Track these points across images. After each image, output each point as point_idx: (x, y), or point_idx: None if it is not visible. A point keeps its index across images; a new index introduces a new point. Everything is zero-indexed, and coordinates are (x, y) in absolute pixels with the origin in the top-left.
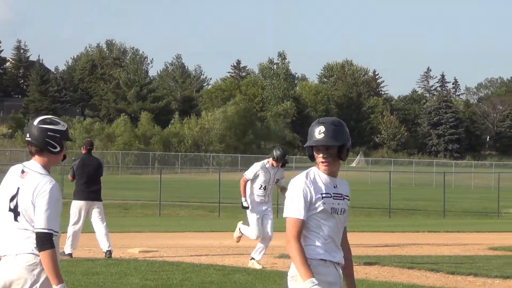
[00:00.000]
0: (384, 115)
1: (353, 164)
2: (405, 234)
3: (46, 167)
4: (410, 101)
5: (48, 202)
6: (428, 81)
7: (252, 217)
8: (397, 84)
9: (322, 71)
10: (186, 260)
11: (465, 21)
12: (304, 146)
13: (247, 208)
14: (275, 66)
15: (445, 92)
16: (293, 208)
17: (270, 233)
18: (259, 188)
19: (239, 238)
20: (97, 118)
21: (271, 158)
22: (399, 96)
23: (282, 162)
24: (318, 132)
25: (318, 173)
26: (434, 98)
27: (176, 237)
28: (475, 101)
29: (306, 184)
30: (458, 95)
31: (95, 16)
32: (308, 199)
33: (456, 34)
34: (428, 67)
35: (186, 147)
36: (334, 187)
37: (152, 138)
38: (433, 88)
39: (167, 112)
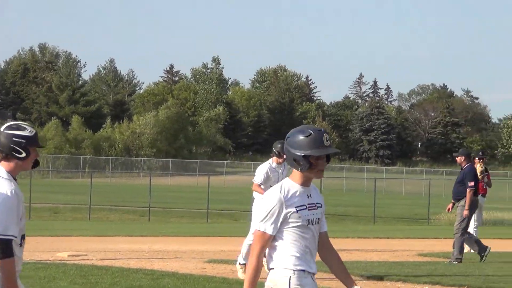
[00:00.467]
0: (316, 121)
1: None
2: (335, 239)
3: (12, 172)
4: (342, 107)
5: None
6: (360, 87)
7: None
8: (330, 90)
9: (255, 76)
10: (115, 264)
11: (398, 28)
12: (311, 154)
13: None
14: (208, 70)
15: (377, 98)
16: (264, 222)
17: None
18: None
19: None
20: (28, 122)
21: (274, 157)
22: (332, 102)
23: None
24: (326, 140)
25: (292, 185)
26: (366, 104)
27: (106, 241)
28: (407, 107)
29: (280, 198)
30: (391, 102)
31: (28, 19)
32: (282, 214)
33: (389, 41)
34: (361, 73)
35: (117, 151)
36: (308, 196)
37: (83, 142)
38: (365, 94)
39: (99, 116)
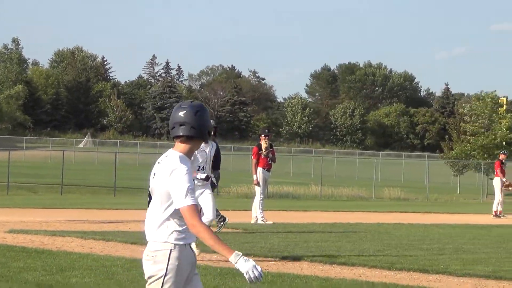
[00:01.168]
0: (112, 99)
1: (81, 145)
2: (128, 211)
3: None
4: (137, 86)
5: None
6: (153, 68)
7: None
8: (124, 70)
9: (53, 57)
10: None
11: (189, 12)
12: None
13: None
14: (9, 51)
15: (169, 78)
16: (191, 195)
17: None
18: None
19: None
20: None
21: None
22: (126, 81)
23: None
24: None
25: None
26: (159, 84)
27: None
28: (198, 87)
29: (190, 170)
30: (182, 81)
31: None
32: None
33: (181, 24)
34: (154, 54)
35: None
36: None
37: None
38: (158, 74)
39: None
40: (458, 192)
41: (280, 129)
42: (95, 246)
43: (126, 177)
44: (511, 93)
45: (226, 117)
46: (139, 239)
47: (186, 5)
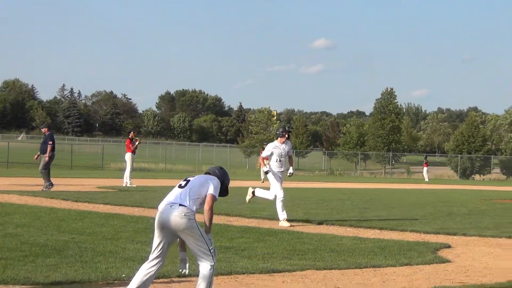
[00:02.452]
0: (38, 111)
1: (19, 138)
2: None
3: None
4: (53, 103)
5: None
6: (63, 91)
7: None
8: (46, 93)
9: (2, 84)
10: None
11: None
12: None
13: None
14: None
15: (73, 98)
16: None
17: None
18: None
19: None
20: None
21: (278, 137)
22: (47, 99)
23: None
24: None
25: None
26: (67, 101)
27: None
28: (90, 103)
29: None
30: (81, 100)
31: None
32: None
33: (80, 64)
34: (63, 84)
35: None
36: None
37: None
38: (66, 95)
39: None
40: (247, 167)
41: (141, 129)
42: (28, 200)
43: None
44: (279, 108)
45: (108, 122)
46: (57, 195)
47: (81, 53)
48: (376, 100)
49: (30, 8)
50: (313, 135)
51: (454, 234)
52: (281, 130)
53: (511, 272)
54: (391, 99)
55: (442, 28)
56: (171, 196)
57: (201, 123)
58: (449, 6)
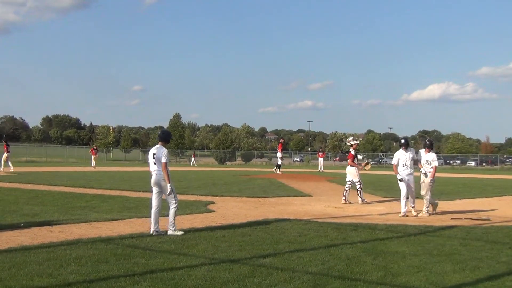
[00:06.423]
0: None
1: None
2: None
3: None
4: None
5: None
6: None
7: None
8: None
9: None
10: None
11: None
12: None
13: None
14: None
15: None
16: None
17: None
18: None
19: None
20: None
21: (402, 147)
22: None
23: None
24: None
25: None
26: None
27: None
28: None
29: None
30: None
31: None
32: None
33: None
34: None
35: None
36: None
37: None
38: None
39: None
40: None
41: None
42: None
43: None
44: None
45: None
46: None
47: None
48: None
49: None
50: None
51: (216, 195)
52: (403, 141)
53: (249, 216)
54: None
55: None
56: (153, 167)
57: (68, 134)
58: None
